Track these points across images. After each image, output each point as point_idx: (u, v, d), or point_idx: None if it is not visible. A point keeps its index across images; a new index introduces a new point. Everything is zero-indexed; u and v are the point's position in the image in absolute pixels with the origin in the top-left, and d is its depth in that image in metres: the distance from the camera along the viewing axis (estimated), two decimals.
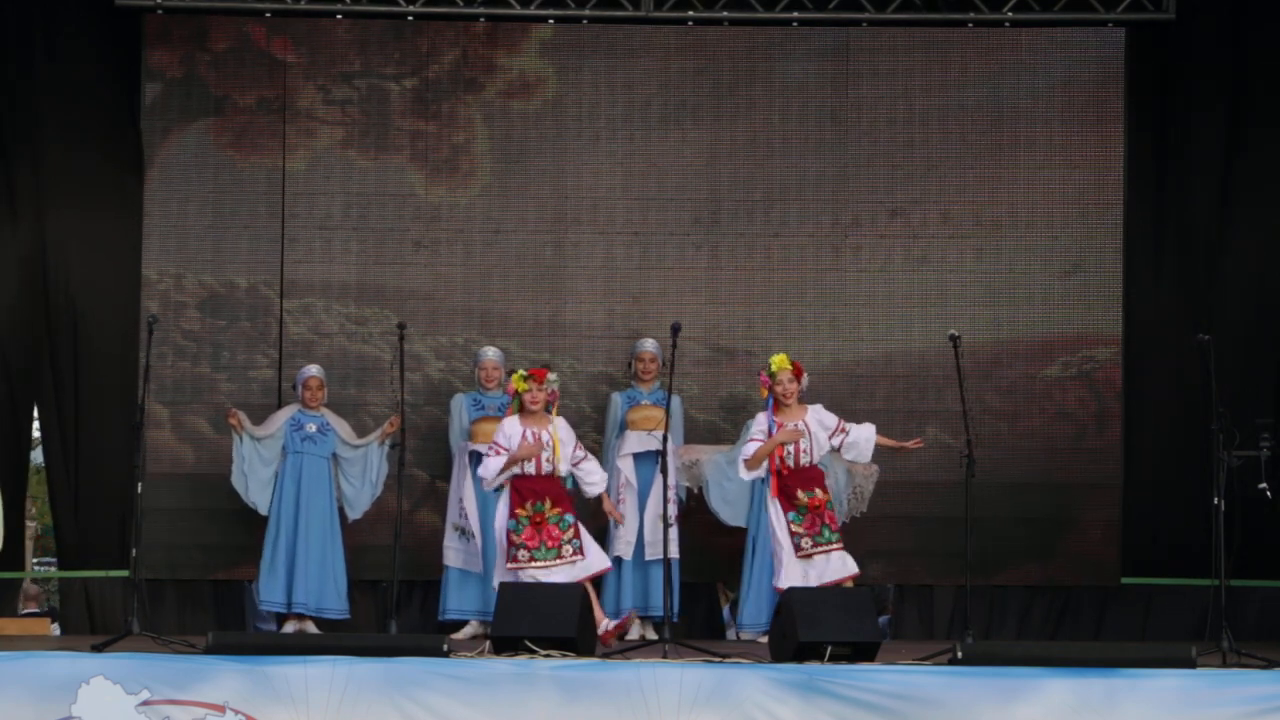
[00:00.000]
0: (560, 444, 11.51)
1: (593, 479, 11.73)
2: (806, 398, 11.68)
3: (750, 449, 11.46)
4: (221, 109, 13.61)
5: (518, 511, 11.48)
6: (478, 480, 11.86)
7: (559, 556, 11.40)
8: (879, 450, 11.67)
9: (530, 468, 11.52)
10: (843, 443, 11.52)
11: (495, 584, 11.49)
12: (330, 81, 13.67)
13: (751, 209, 13.71)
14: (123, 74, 13.65)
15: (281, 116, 13.60)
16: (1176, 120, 13.80)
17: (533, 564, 11.39)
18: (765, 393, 11.58)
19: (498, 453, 11.51)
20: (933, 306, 13.61)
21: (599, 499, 11.90)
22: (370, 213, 13.63)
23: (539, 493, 11.50)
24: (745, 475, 11.62)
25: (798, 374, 11.53)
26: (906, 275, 13.69)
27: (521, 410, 11.62)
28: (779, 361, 11.51)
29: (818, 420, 11.49)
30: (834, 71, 13.72)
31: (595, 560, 11.52)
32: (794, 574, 11.28)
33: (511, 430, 11.55)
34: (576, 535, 11.46)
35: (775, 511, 11.40)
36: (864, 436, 11.53)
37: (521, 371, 11.74)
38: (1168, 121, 13.82)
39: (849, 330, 13.64)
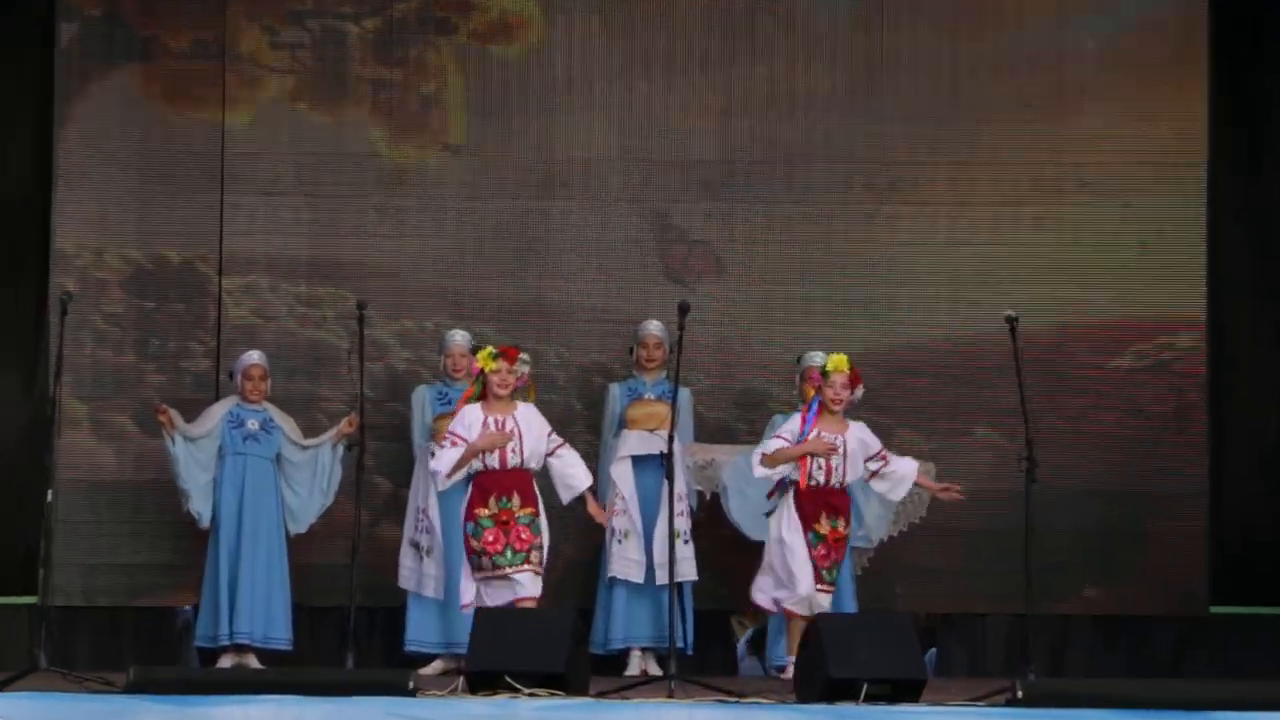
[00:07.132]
0: (525, 433, 10.97)
1: (574, 470, 11.06)
2: (853, 412, 11.30)
3: (773, 445, 11.04)
4: (150, 53, 13.12)
5: (478, 511, 10.83)
6: (434, 476, 11.22)
7: (526, 562, 10.76)
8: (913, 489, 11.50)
9: (494, 461, 10.86)
10: (879, 470, 11.17)
11: (461, 604, 11.07)
12: (278, 22, 13.17)
13: (771, 172, 13.12)
14: (32, 12, 13.10)
15: (221, 63, 13.13)
16: (1268, 67, 13.18)
17: (497, 572, 10.76)
18: (812, 392, 11.26)
19: (454, 443, 10.91)
20: (983, 285, 12.98)
21: (582, 500, 11.19)
22: (324, 176, 13.11)
23: (506, 488, 10.87)
24: (757, 472, 11.16)
25: (854, 382, 11.15)
26: (952, 248, 13.09)
27: (484, 396, 11.01)
28: (837, 362, 11.12)
29: (860, 439, 11.10)
30: (867, 10, 13.16)
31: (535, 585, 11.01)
32: (803, 606, 10.89)
33: (472, 418, 10.93)
34: (540, 545, 10.91)
35: (791, 520, 10.97)
36: (904, 472, 11.17)
37: (491, 349, 11.14)
38: (1258, 68, 13.22)
39: (884, 313, 13.09)
